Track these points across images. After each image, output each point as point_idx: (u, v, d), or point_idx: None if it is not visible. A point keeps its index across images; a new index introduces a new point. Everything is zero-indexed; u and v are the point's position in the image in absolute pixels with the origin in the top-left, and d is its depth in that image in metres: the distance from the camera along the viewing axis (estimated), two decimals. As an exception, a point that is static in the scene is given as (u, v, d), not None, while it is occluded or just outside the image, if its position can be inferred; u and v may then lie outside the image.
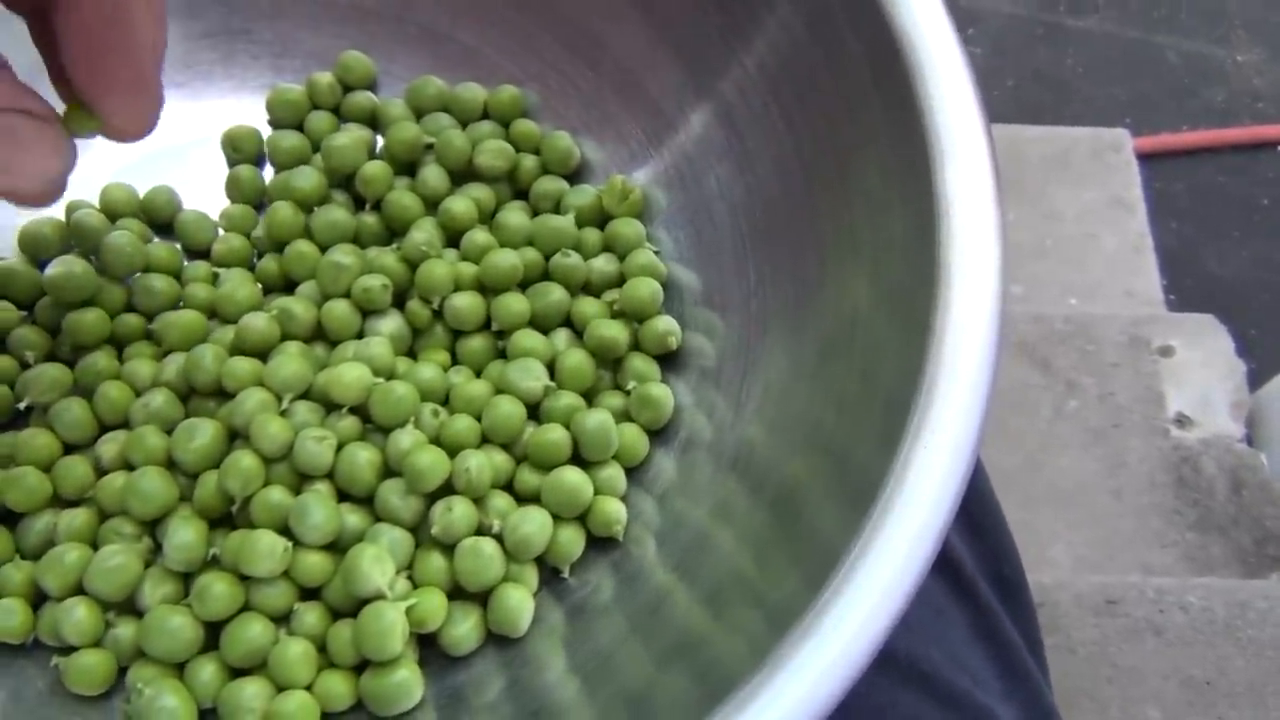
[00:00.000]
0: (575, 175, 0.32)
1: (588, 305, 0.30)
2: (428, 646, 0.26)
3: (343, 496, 0.27)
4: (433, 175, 0.31)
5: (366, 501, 0.27)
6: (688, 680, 0.22)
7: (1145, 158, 0.97)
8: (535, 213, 0.31)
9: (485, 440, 0.28)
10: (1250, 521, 0.71)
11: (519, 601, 0.26)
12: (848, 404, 0.24)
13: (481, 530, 0.26)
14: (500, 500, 0.27)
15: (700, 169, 0.30)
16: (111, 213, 0.31)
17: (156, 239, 0.31)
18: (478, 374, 0.29)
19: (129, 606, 0.26)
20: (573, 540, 0.27)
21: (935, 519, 0.20)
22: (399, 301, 0.30)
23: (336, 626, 0.25)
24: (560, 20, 0.32)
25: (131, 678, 0.25)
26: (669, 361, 0.30)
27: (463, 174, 0.32)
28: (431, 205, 0.31)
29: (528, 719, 0.24)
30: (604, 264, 0.30)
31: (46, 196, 0.21)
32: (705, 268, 0.30)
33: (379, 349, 0.28)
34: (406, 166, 0.32)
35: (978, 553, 0.32)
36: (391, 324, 0.29)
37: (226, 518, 0.26)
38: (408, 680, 0.24)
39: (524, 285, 0.30)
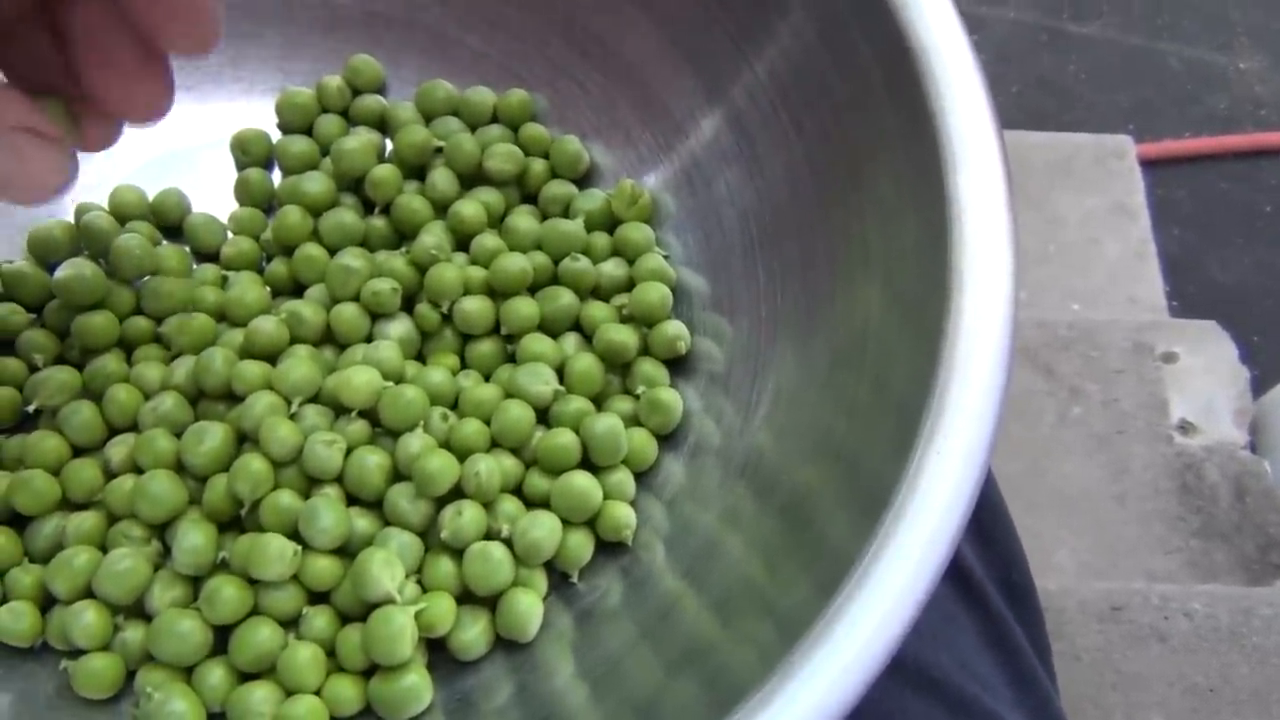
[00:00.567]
0: (584, 179, 0.32)
1: (597, 310, 0.30)
2: (437, 651, 0.26)
3: (352, 500, 0.27)
4: (442, 179, 0.31)
5: (376, 505, 0.27)
6: (697, 687, 0.22)
7: (1148, 164, 0.97)
8: (544, 217, 0.31)
9: (494, 444, 0.28)
10: (1254, 528, 0.71)
11: (528, 606, 0.26)
12: (859, 410, 0.24)
13: (491, 535, 0.26)
14: (509, 505, 0.27)
15: (710, 174, 0.30)
16: (121, 215, 0.31)
17: (165, 242, 0.31)
18: (487, 378, 0.29)
19: (138, 610, 0.25)
20: (582, 545, 0.27)
21: (948, 526, 0.20)
22: (408, 305, 0.30)
23: (345, 631, 0.25)
24: (570, 24, 0.32)
25: (140, 681, 0.24)
26: (678, 366, 0.29)
27: (472, 178, 0.32)
28: (441, 209, 0.31)
29: (536, 724, 0.24)
30: (613, 268, 0.30)
31: (46, 201, 0.21)
32: (715, 272, 0.30)
33: (388, 353, 0.28)
34: (416, 170, 0.32)
35: (987, 559, 0.32)
36: (400, 328, 0.29)
37: (236, 521, 0.26)
38: (417, 685, 0.24)
39: (533, 289, 0.30)
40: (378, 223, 0.31)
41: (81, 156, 0.32)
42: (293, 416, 0.27)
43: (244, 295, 0.29)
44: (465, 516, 0.26)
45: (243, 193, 0.32)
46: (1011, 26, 1.08)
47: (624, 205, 0.31)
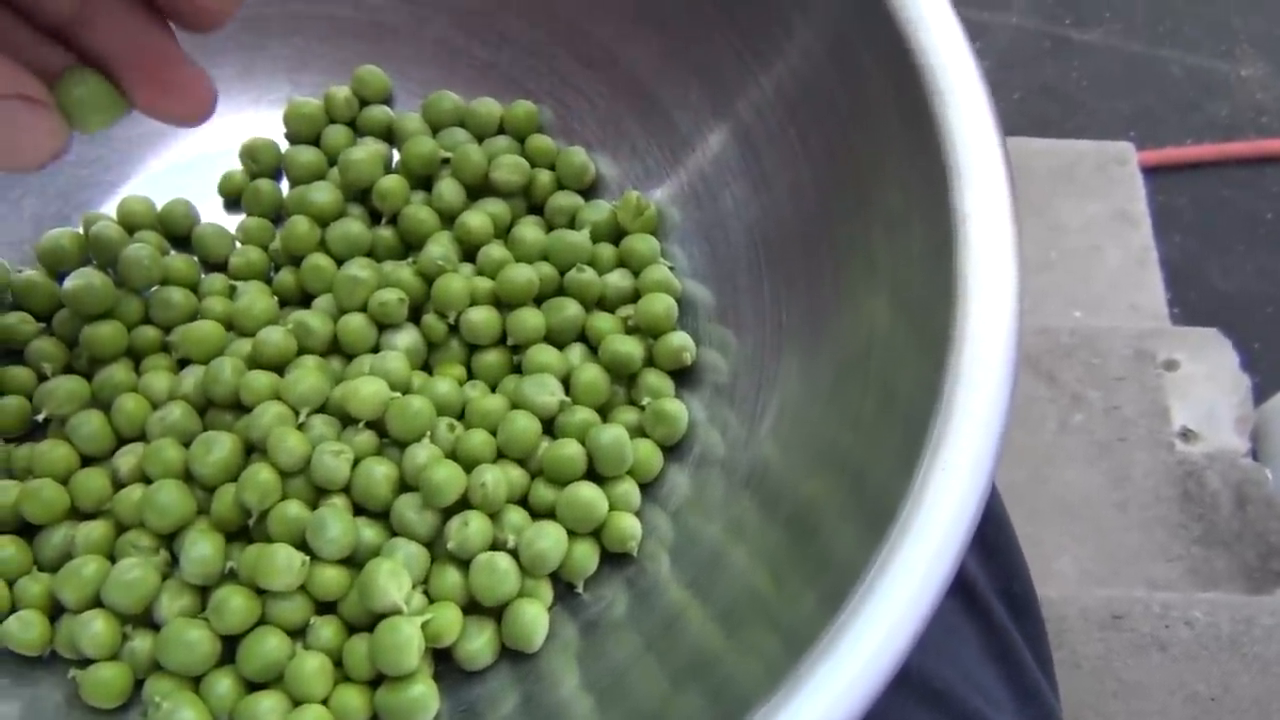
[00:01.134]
0: (590, 191, 0.32)
1: (602, 320, 0.30)
2: (443, 661, 0.26)
3: (359, 511, 0.27)
4: (449, 190, 0.31)
5: (383, 516, 0.27)
6: (702, 699, 0.22)
7: (1150, 171, 0.97)
8: (550, 228, 0.32)
9: (500, 455, 0.28)
10: (1255, 537, 0.71)
11: (534, 617, 0.26)
12: (864, 422, 0.24)
13: (497, 545, 0.26)
14: (515, 515, 0.27)
15: (716, 187, 0.30)
16: (129, 226, 0.31)
17: (174, 252, 0.32)
18: (493, 389, 0.29)
19: (146, 619, 0.26)
20: (587, 556, 0.27)
21: (953, 539, 0.20)
22: (415, 316, 0.30)
23: (352, 641, 0.25)
24: (577, 37, 0.32)
25: (148, 691, 0.25)
26: (683, 377, 0.30)
27: (478, 189, 0.32)
28: (447, 220, 0.31)
29: (541, 735, 0.24)
30: (619, 279, 0.30)
31: (40, 167, 0.22)
32: (720, 284, 0.30)
33: (395, 363, 0.28)
34: (423, 181, 0.32)
35: (990, 571, 0.32)
36: (407, 338, 0.29)
37: (243, 531, 0.27)
38: (423, 695, 0.24)
39: (539, 300, 0.30)
40: (385, 233, 0.31)
41: (90, 167, 0.32)
42: (300, 427, 0.27)
43: (252, 305, 0.29)
44: (471, 527, 0.26)
45: (251, 203, 0.32)
46: (1014, 33, 1.08)
47: (630, 217, 0.31)
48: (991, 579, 0.32)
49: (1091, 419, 0.77)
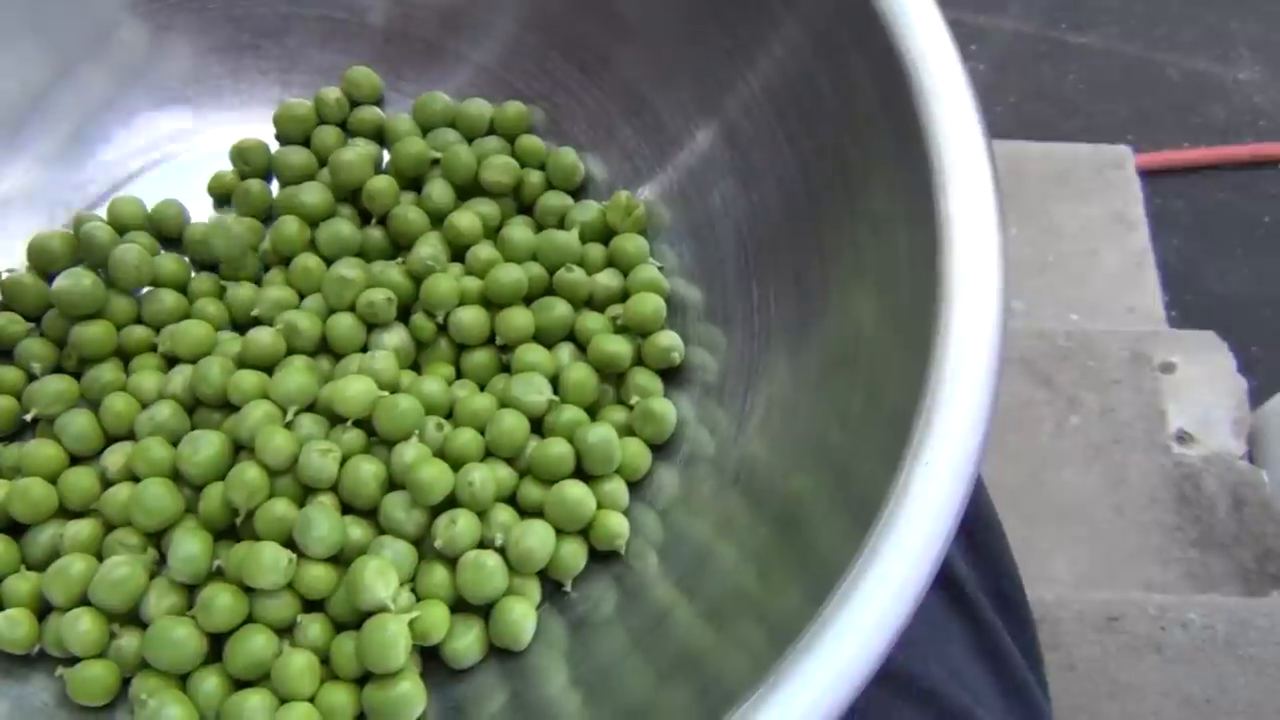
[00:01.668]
0: (580, 191, 0.33)
1: (591, 320, 0.30)
2: (430, 659, 0.26)
3: (347, 509, 0.27)
4: (438, 190, 0.31)
5: (370, 514, 0.27)
6: (689, 695, 0.22)
7: (1147, 174, 0.97)
8: (540, 228, 0.32)
9: (489, 454, 0.28)
10: (1251, 539, 0.71)
11: (521, 615, 0.26)
12: (850, 421, 0.24)
13: (484, 543, 0.27)
14: (503, 514, 0.27)
15: (704, 186, 0.30)
16: (120, 226, 0.31)
17: (164, 252, 0.32)
18: (481, 388, 0.29)
19: (133, 618, 0.26)
20: (575, 554, 0.27)
21: (937, 535, 0.20)
22: (404, 315, 0.30)
23: (340, 638, 0.25)
24: (567, 38, 0.32)
25: (135, 688, 0.25)
26: (672, 376, 0.30)
27: (468, 189, 0.32)
28: (437, 220, 0.31)
29: (529, 733, 0.24)
30: (608, 279, 0.30)
31: None
32: (709, 283, 0.30)
33: (383, 362, 0.28)
34: (412, 181, 0.32)
35: (978, 570, 0.32)
36: (396, 338, 0.29)
37: (231, 530, 0.27)
38: (410, 693, 0.24)
39: (528, 300, 0.30)
40: (374, 233, 0.31)
41: (81, 167, 0.32)
42: (288, 425, 0.27)
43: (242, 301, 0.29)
44: (459, 525, 0.26)
45: (242, 203, 0.32)
46: (1011, 37, 1.08)
47: (619, 217, 0.31)
48: (981, 578, 0.32)
49: (1088, 421, 0.77)
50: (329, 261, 0.30)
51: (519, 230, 0.31)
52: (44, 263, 0.30)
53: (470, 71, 0.34)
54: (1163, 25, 1.11)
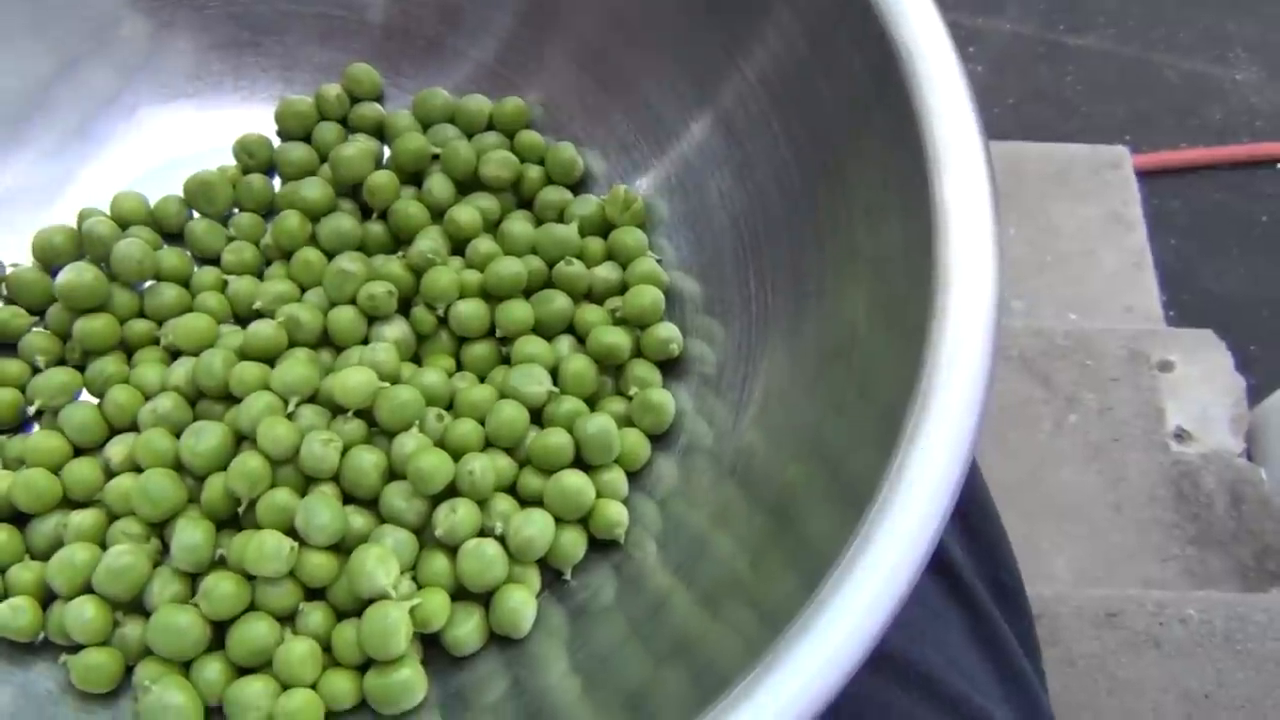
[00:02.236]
0: (579, 185, 0.33)
1: (590, 312, 0.30)
2: (431, 647, 0.26)
3: (348, 499, 0.27)
4: (438, 185, 0.32)
5: (371, 504, 0.27)
6: (686, 680, 0.22)
7: (1144, 175, 0.97)
8: (539, 222, 0.32)
9: (489, 444, 0.28)
10: (1249, 536, 0.71)
11: (521, 603, 0.26)
12: (846, 410, 0.24)
13: (485, 532, 0.27)
14: (503, 503, 0.27)
15: (701, 177, 0.31)
16: (122, 221, 0.32)
17: (166, 246, 0.32)
18: (481, 379, 0.29)
19: (137, 606, 0.26)
20: (575, 543, 0.27)
21: (929, 523, 0.20)
22: (404, 308, 0.30)
23: (341, 626, 0.25)
24: (565, 33, 0.33)
25: (139, 675, 0.25)
26: (670, 368, 0.30)
27: (468, 184, 0.32)
28: (437, 214, 0.32)
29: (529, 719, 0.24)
30: (607, 272, 0.31)
31: None
32: (706, 275, 0.30)
33: (384, 354, 0.28)
34: (413, 176, 0.33)
35: (976, 558, 0.32)
36: (397, 330, 0.30)
37: (233, 519, 0.27)
38: (411, 680, 0.25)
39: (528, 293, 0.30)
40: (375, 228, 0.31)
41: (83, 163, 0.33)
42: (290, 416, 0.27)
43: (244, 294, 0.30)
44: (459, 514, 0.26)
45: (244, 198, 0.33)
46: (1008, 38, 1.08)
47: (618, 210, 0.31)
48: (978, 565, 0.32)
49: (1086, 420, 0.77)
50: (330, 255, 0.31)
51: (519, 224, 0.31)
52: (48, 257, 0.30)
53: (469, 67, 0.34)
54: (1160, 27, 1.11)
